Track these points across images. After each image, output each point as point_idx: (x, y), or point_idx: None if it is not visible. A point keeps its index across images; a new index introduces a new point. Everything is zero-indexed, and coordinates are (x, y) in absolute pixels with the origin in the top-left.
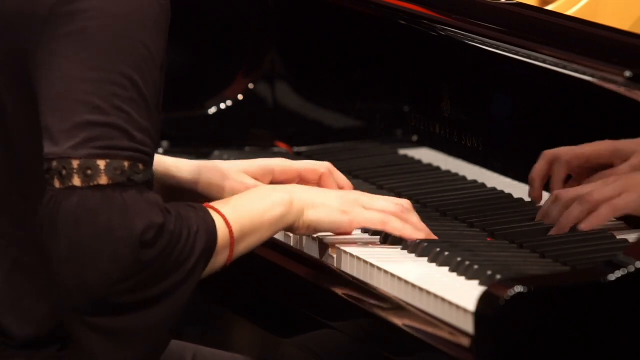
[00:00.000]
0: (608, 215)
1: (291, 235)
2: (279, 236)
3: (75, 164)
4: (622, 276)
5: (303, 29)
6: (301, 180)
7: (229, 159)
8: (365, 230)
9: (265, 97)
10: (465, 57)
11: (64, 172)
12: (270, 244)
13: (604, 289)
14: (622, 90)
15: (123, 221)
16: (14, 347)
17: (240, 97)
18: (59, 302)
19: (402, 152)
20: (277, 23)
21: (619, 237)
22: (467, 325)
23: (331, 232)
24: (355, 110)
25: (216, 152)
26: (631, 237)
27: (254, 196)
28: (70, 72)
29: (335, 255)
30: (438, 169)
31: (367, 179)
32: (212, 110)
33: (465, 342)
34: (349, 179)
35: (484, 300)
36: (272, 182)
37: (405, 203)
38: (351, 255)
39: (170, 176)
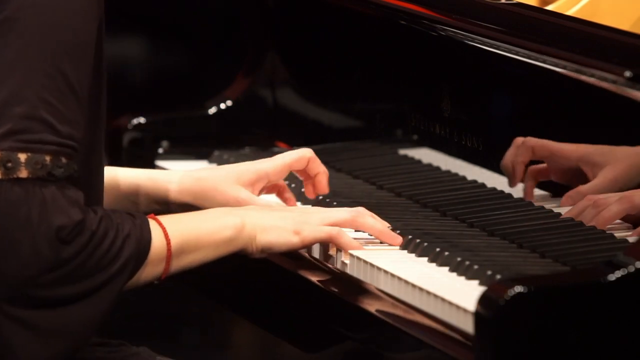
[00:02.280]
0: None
1: None
2: None
3: None
4: (622, 276)
5: (303, 29)
6: (292, 171)
7: (228, 159)
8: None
9: (265, 97)
10: (465, 57)
11: None
12: None
13: (604, 289)
14: (622, 90)
15: (42, 216)
16: None
17: (240, 97)
18: None
19: (402, 152)
20: (277, 23)
21: (619, 237)
22: (467, 325)
23: (285, 251)
24: (355, 110)
25: (216, 152)
26: (631, 237)
27: (205, 216)
28: None
29: (335, 256)
30: (438, 169)
31: (367, 179)
32: (212, 110)
33: (465, 342)
34: (349, 179)
35: (484, 300)
36: (267, 184)
37: (360, 208)
38: (351, 255)
39: (162, 190)
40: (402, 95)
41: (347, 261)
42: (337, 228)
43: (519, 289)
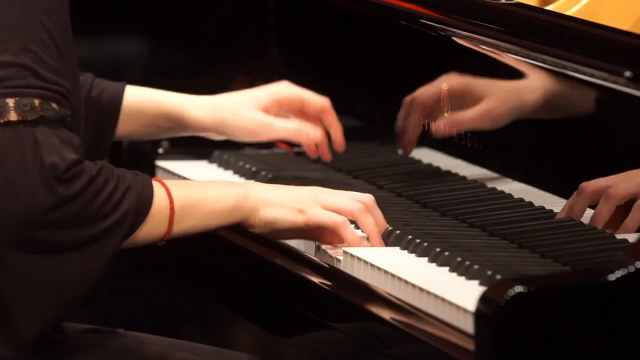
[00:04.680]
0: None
1: None
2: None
3: None
4: (622, 276)
5: (303, 28)
6: (304, 108)
7: (229, 159)
8: (358, 227)
9: None
10: (465, 57)
11: None
12: (271, 242)
13: (604, 289)
14: (622, 90)
15: (35, 156)
16: None
17: None
18: None
19: (402, 152)
20: (277, 23)
21: (619, 237)
22: (467, 325)
23: (287, 231)
24: (355, 110)
25: (216, 152)
26: (631, 237)
27: (209, 184)
28: None
29: (335, 256)
30: (438, 169)
31: (367, 179)
32: None
33: (465, 342)
34: (348, 179)
35: (484, 300)
36: (284, 106)
37: (368, 199)
38: (351, 255)
39: (184, 115)
40: (402, 95)
41: (347, 261)
42: (343, 218)
43: (519, 289)
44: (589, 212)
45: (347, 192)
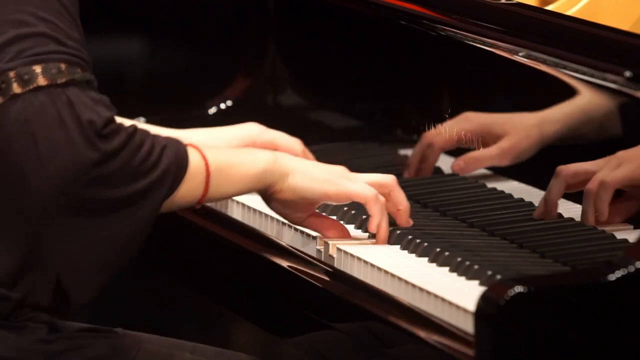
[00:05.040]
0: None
1: (291, 234)
2: (279, 235)
3: (12, 74)
4: (622, 276)
5: (303, 28)
6: (277, 149)
7: None
8: (358, 227)
9: (265, 97)
10: (465, 57)
11: (3, 86)
12: (271, 242)
13: (604, 289)
14: (622, 90)
15: (71, 114)
16: None
17: (240, 97)
18: (29, 210)
19: (402, 152)
20: (277, 23)
21: (619, 237)
22: (467, 325)
23: (316, 200)
24: (355, 110)
25: None
26: (631, 237)
27: (238, 150)
28: None
29: (335, 255)
30: (438, 169)
31: None
32: (212, 110)
33: (465, 342)
34: None
35: (484, 300)
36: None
37: (391, 180)
38: (351, 255)
39: None
40: (402, 95)
41: (347, 261)
42: (374, 191)
43: (519, 289)
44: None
45: (371, 175)
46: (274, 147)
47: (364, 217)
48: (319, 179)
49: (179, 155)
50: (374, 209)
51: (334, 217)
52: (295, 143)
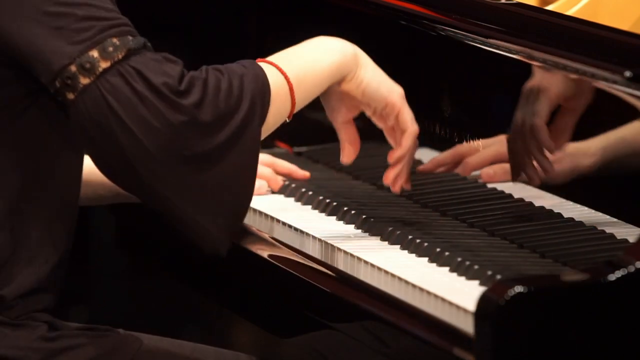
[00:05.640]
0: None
1: (290, 233)
2: (279, 236)
3: (73, 67)
4: (622, 276)
5: (303, 29)
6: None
7: None
8: (358, 227)
9: None
10: (465, 57)
11: (69, 82)
12: (271, 243)
13: (604, 289)
14: (622, 90)
15: (146, 83)
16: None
17: None
18: (140, 176)
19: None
20: (276, 23)
21: (619, 237)
22: (467, 325)
23: (374, 101)
24: None
25: None
26: (631, 237)
27: (308, 45)
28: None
29: (335, 256)
30: None
31: (367, 179)
32: None
33: (465, 342)
34: (349, 179)
35: (484, 300)
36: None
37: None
38: (351, 255)
39: None
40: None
41: (347, 261)
42: (417, 129)
43: (519, 289)
44: (588, 212)
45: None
46: (272, 167)
47: (363, 217)
48: (387, 83)
49: (258, 80)
50: (407, 142)
51: (334, 217)
52: (289, 167)
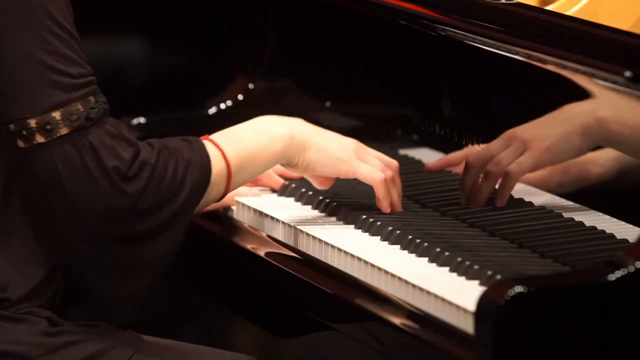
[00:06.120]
0: (516, 178)
1: (291, 234)
2: (278, 236)
3: (33, 123)
4: (622, 276)
5: (303, 29)
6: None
7: None
8: (358, 227)
9: (265, 97)
10: (465, 57)
11: (24, 133)
12: (271, 244)
13: (604, 289)
14: (622, 90)
15: (96, 162)
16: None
17: (240, 97)
18: (69, 248)
19: (402, 152)
20: (277, 23)
21: (619, 237)
22: (467, 325)
23: (325, 176)
24: (355, 110)
25: None
26: (631, 237)
27: (256, 129)
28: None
29: (335, 255)
30: None
31: None
32: (212, 110)
33: (465, 342)
34: (349, 179)
35: (484, 300)
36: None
37: (394, 167)
38: (351, 255)
39: None
40: (402, 95)
41: (347, 261)
42: (382, 175)
43: (519, 289)
44: (588, 212)
45: (378, 153)
46: None
47: (363, 217)
48: (333, 157)
49: (202, 170)
50: (381, 192)
51: (333, 218)
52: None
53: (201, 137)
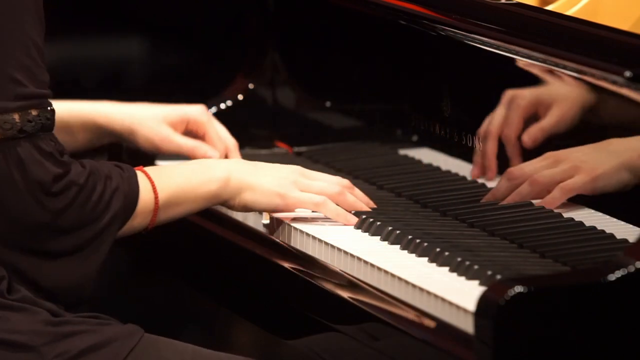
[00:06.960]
0: (561, 198)
1: (291, 234)
2: (278, 236)
3: None
4: (622, 276)
5: (303, 29)
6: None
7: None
8: (358, 226)
9: (265, 97)
10: (465, 57)
11: None
12: (272, 244)
13: (604, 289)
14: (622, 90)
15: (22, 174)
16: None
17: (240, 97)
18: None
19: (402, 152)
20: (277, 23)
21: (619, 237)
22: (467, 325)
23: (266, 212)
24: (355, 110)
25: None
26: (631, 237)
27: (193, 168)
28: None
29: (335, 255)
30: (438, 169)
31: (367, 179)
32: (212, 110)
33: (465, 342)
34: (349, 179)
35: (484, 300)
36: (190, 127)
37: (345, 182)
38: (351, 255)
39: (93, 122)
40: (402, 95)
41: (347, 261)
42: (322, 197)
43: (519, 289)
44: (588, 212)
45: (324, 175)
46: (185, 121)
47: (363, 217)
48: (269, 193)
49: (128, 197)
50: (329, 212)
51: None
52: (201, 114)
53: (135, 168)
